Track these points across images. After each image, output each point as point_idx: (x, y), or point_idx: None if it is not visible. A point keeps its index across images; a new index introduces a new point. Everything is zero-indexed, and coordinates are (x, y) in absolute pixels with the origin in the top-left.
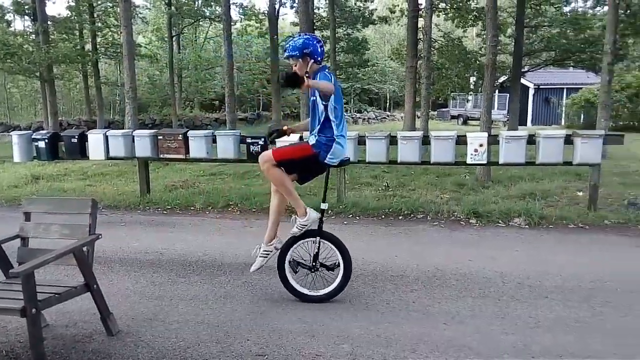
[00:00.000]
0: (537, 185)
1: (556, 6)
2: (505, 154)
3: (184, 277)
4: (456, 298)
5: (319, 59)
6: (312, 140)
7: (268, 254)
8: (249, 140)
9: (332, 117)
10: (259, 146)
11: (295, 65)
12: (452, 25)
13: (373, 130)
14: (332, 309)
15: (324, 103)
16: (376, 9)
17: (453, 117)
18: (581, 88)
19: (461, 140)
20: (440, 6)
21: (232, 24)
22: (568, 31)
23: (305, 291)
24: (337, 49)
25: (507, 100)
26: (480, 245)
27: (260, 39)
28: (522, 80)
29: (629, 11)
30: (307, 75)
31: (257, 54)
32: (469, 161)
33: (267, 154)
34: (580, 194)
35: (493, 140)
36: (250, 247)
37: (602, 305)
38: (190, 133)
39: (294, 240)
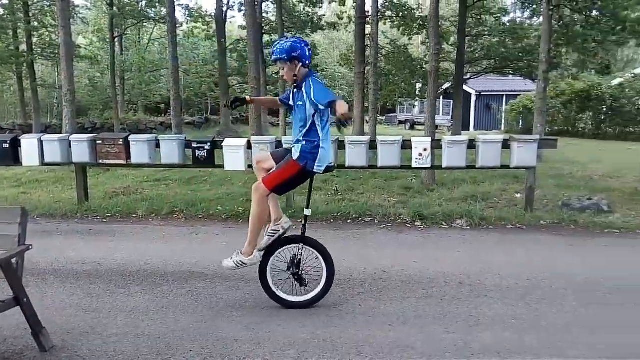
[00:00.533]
0: (479, 188)
1: (495, 16)
2: (448, 158)
3: (123, 287)
4: (401, 299)
5: (307, 62)
6: (295, 154)
7: (275, 233)
8: (194, 145)
9: (317, 122)
10: (205, 151)
11: (283, 69)
12: (398, 32)
13: None
14: (279, 315)
15: (315, 109)
16: (325, 15)
17: (401, 122)
18: (520, 95)
19: (406, 145)
20: (386, 14)
21: (177, 25)
22: (507, 40)
23: (286, 297)
24: None
25: (451, 106)
26: (424, 247)
27: (208, 41)
28: (465, 87)
29: (561, 22)
30: (295, 78)
31: (204, 57)
32: (414, 165)
33: (261, 186)
34: (518, 195)
35: (436, 144)
36: (196, 254)
37: (538, 302)
38: (132, 137)
39: (276, 246)
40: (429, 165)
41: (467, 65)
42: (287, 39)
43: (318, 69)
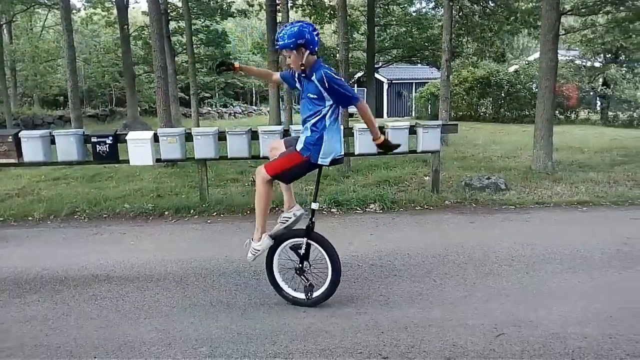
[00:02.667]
0: (391, 173)
1: (402, 6)
2: (359, 145)
3: (18, 297)
4: (317, 286)
5: (315, 49)
6: (299, 145)
7: (288, 220)
8: (94, 140)
9: (328, 114)
10: (107, 145)
11: (289, 57)
12: (309, 21)
13: (238, 124)
14: (192, 312)
15: (326, 98)
16: (234, 1)
17: None
18: (427, 82)
19: None
20: (297, 2)
21: (74, 11)
22: (413, 30)
23: (294, 294)
24: (196, 41)
25: (365, 95)
26: (339, 232)
27: (109, 28)
28: (377, 76)
29: (461, 13)
30: (302, 67)
31: (106, 45)
32: None
33: (262, 172)
34: (427, 178)
35: (348, 132)
36: (100, 256)
37: (442, 277)
38: (23, 134)
39: (281, 241)
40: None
41: (377, 54)
42: (293, 23)
43: (231, 57)
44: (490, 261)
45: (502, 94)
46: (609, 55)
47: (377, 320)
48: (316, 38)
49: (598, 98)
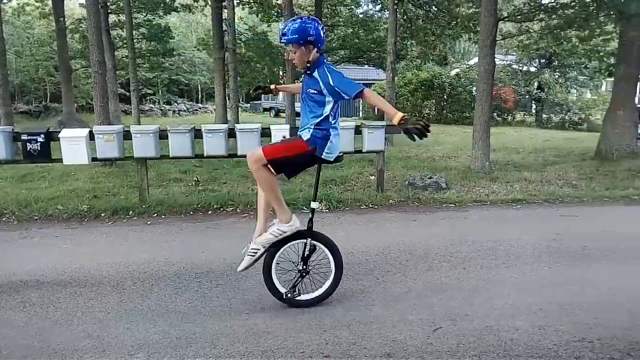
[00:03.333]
0: (338, 172)
1: (349, 8)
2: None
3: None
4: (260, 286)
5: (321, 47)
6: (306, 135)
7: (256, 252)
8: (24, 137)
9: (333, 113)
10: (38, 144)
11: (294, 53)
12: (257, 19)
13: (182, 123)
14: (128, 317)
15: (337, 99)
16: None
17: (265, 109)
18: (374, 83)
19: (266, 133)
20: None
21: (5, 1)
22: (360, 32)
23: (297, 297)
24: (137, 35)
25: None
26: None
27: (44, 20)
28: None
29: (406, 16)
30: (307, 65)
31: (40, 38)
32: None
33: (258, 152)
34: (372, 177)
35: (295, 132)
36: (30, 260)
37: (384, 275)
38: None
39: (282, 242)
40: None
41: (325, 54)
42: (300, 18)
43: (175, 53)
44: (430, 258)
45: (445, 96)
46: (543, 60)
47: (320, 320)
48: (323, 35)
49: (533, 101)
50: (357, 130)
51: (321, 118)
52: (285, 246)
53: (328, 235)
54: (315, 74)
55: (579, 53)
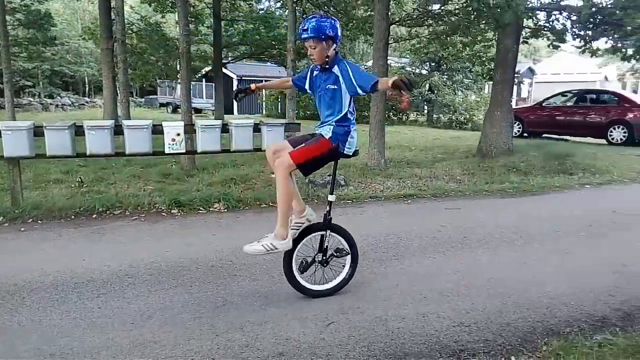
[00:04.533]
0: (239, 171)
1: (249, 3)
2: (202, 142)
3: None
4: (148, 294)
5: (339, 43)
6: (327, 133)
7: (300, 226)
8: None
9: (351, 109)
10: None
11: (314, 48)
12: (150, 9)
13: (66, 118)
14: None
15: (354, 94)
16: None
17: (162, 104)
18: None
19: (158, 130)
20: None
21: None
22: (261, 28)
23: (313, 287)
24: (12, 21)
25: (213, 90)
26: (179, 234)
27: None
28: (226, 71)
29: (305, 15)
30: (326, 60)
31: None
32: (166, 151)
33: (286, 159)
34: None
35: (190, 129)
36: None
37: (280, 274)
38: None
39: (301, 235)
40: (183, 151)
41: (225, 49)
42: (320, 15)
43: (57, 42)
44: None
45: None
46: (433, 64)
47: (213, 324)
48: (341, 32)
49: (425, 102)
50: (257, 128)
51: (342, 114)
52: (304, 240)
53: (344, 227)
54: (335, 69)
55: (463, 58)
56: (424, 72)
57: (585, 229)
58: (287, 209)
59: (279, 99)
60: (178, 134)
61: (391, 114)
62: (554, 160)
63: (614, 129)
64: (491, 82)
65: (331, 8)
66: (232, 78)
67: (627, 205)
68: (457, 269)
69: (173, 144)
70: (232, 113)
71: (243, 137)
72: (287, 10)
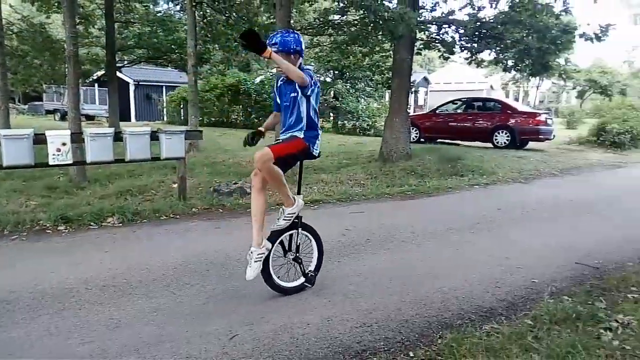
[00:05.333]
0: (136, 181)
1: (144, 5)
2: (92, 152)
3: None
4: (30, 320)
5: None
6: (300, 134)
7: (262, 256)
8: None
9: (313, 115)
10: None
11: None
12: (33, 8)
13: None
14: None
15: (306, 95)
16: None
17: (49, 111)
18: (179, 86)
19: (42, 139)
20: None
21: None
22: (159, 31)
23: (285, 285)
24: None
25: (107, 96)
26: (67, 253)
27: None
28: (121, 76)
29: (205, 20)
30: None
31: None
32: (51, 162)
33: (267, 151)
34: (175, 185)
35: (78, 138)
36: None
37: (181, 288)
38: None
39: (278, 234)
40: (70, 162)
41: (120, 52)
42: (287, 31)
43: None
44: (231, 264)
45: (252, 102)
46: (337, 72)
47: (104, 348)
48: (304, 47)
49: (330, 109)
50: (154, 136)
51: (305, 120)
52: (278, 240)
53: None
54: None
55: (364, 67)
56: (328, 79)
57: (474, 226)
58: (283, 186)
59: (181, 105)
60: (64, 144)
61: None
62: (447, 164)
63: (499, 133)
64: (390, 91)
65: (233, 14)
66: (129, 83)
67: (509, 203)
68: (360, 271)
69: (58, 155)
70: (129, 120)
71: (139, 146)
72: (187, 14)
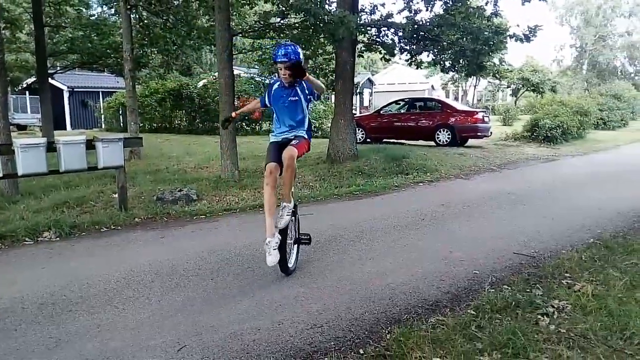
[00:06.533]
0: (73, 193)
1: (76, 8)
2: (24, 163)
3: None
4: None
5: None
6: (303, 134)
7: (278, 244)
8: None
9: (308, 111)
10: None
11: (288, 70)
12: None
13: None
14: None
15: (310, 99)
16: None
17: None
18: (116, 92)
19: None
20: None
21: None
22: (93, 35)
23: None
24: None
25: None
26: (0, 271)
27: None
28: (54, 82)
29: (142, 23)
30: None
31: None
32: None
33: (296, 151)
34: (115, 196)
35: (7, 149)
36: None
37: (124, 302)
38: None
39: (285, 228)
40: (0, 175)
41: (52, 58)
42: (292, 44)
43: None
44: (177, 274)
45: (195, 107)
46: None
47: None
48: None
49: None
50: (91, 145)
51: (307, 119)
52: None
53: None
54: (297, 86)
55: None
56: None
57: (419, 223)
58: (293, 183)
59: (120, 111)
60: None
61: (244, 124)
62: (393, 163)
63: (440, 132)
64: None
65: (170, 16)
66: (63, 90)
67: (452, 198)
68: (310, 272)
69: None
70: (65, 129)
71: (74, 155)
72: (121, 18)
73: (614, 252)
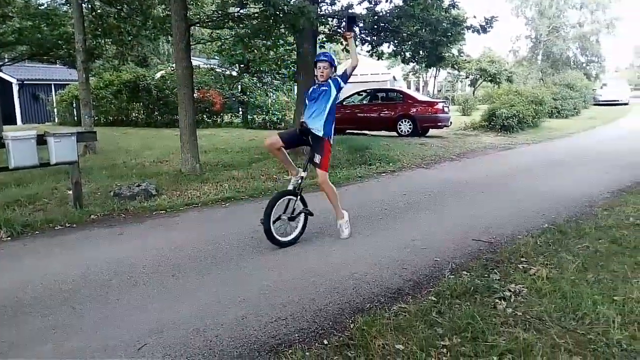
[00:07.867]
0: (25, 190)
1: None
2: None
3: None
4: None
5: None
6: (319, 132)
7: (298, 181)
8: None
9: (333, 107)
10: None
11: (326, 69)
12: None
13: None
14: None
15: (339, 87)
16: None
17: None
18: (69, 85)
19: None
20: None
21: None
22: (42, 26)
23: (282, 239)
24: None
25: None
26: None
27: None
28: (2, 75)
29: (94, 13)
30: (329, 78)
31: None
32: None
33: (323, 173)
34: (70, 192)
35: None
36: None
37: (82, 302)
38: None
39: (277, 197)
40: None
41: None
42: (328, 51)
43: None
44: (137, 272)
45: (153, 99)
46: (242, 65)
47: None
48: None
49: (239, 103)
50: (42, 140)
51: (329, 106)
52: (280, 200)
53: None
54: (330, 81)
55: (269, 60)
56: (234, 73)
57: (382, 212)
58: (337, 201)
59: (74, 105)
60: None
61: (205, 116)
62: (356, 154)
63: (402, 122)
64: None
65: (125, 6)
66: (12, 82)
67: (414, 188)
68: (274, 266)
69: None
70: (15, 123)
71: (24, 151)
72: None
73: (567, 236)
